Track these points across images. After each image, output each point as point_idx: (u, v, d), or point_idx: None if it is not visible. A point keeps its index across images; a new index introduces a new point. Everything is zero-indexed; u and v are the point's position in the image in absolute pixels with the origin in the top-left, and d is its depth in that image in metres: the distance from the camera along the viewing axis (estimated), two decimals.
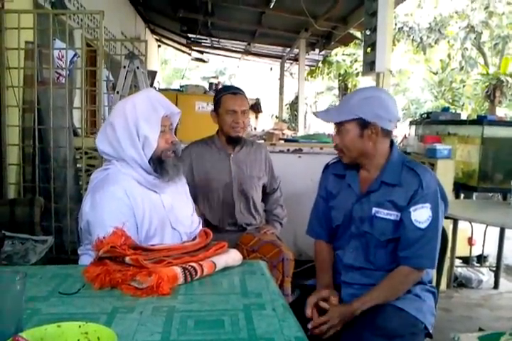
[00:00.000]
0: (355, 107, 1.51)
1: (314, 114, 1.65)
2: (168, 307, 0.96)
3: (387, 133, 1.55)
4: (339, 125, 1.55)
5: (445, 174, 3.16)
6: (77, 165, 3.19)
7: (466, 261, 3.77)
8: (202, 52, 11.99)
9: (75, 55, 4.17)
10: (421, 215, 1.48)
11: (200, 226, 1.73)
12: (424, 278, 1.58)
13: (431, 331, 1.52)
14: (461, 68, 15.17)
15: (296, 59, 9.79)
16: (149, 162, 1.46)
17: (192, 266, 1.09)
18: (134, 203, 1.42)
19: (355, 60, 13.54)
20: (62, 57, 3.95)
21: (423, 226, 1.48)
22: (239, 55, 11.83)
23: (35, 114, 2.94)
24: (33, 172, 2.92)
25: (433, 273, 1.64)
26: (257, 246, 2.08)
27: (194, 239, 1.25)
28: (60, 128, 2.99)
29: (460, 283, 3.52)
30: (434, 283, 1.67)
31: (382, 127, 1.51)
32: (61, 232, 2.81)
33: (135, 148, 1.44)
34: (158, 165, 1.48)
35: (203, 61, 12.17)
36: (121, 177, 1.44)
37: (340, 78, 14.75)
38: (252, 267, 1.24)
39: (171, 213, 1.53)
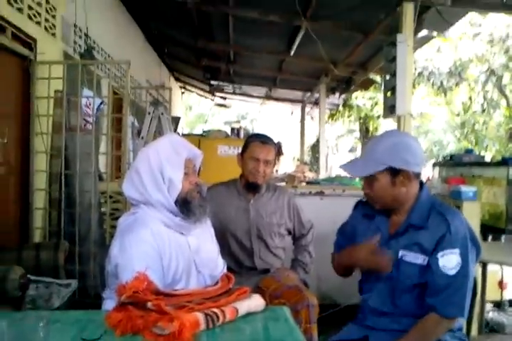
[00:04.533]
0: (382, 156, 1.50)
1: (341, 168, 1.62)
2: None
3: (417, 176, 1.55)
4: (368, 176, 1.55)
5: (471, 216, 3.09)
6: (102, 209, 3.24)
7: (498, 305, 3.61)
8: (224, 98, 12.30)
9: (101, 102, 4.34)
10: (449, 261, 1.45)
11: (225, 270, 1.73)
12: (454, 326, 1.52)
13: None
14: (483, 110, 15.16)
15: (316, 103, 9.94)
16: (175, 204, 1.49)
17: (214, 312, 1.07)
18: (162, 246, 1.43)
19: (376, 103, 13.67)
20: (90, 104, 4.11)
21: (452, 272, 1.44)
22: (260, 100, 12.08)
23: (63, 159, 3.02)
24: (59, 217, 2.97)
25: (463, 320, 1.58)
26: (279, 291, 2.03)
27: (216, 284, 1.24)
28: (86, 173, 3.07)
29: (492, 328, 3.35)
30: (464, 330, 1.60)
31: (413, 171, 1.50)
32: (84, 276, 2.81)
33: (161, 192, 1.47)
34: (184, 206, 1.50)
35: (225, 106, 12.47)
36: (149, 220, 1.46)
37: (361, 121, 14.87)
38: (275, 313, 1.22)
39: (196, 255, 1.54)
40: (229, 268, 2.11)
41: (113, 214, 3.20)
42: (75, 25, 4.18)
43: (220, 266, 1.66)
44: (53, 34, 3.41)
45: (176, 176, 1.48)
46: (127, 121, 4.09)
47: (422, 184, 1.59)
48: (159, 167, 1.47)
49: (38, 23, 3.15)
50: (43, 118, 3.09)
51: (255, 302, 1.20)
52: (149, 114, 4.61)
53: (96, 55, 4.71)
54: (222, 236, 2.22)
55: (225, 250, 2.21)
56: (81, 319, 1.12)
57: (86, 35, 4.48)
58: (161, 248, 1.42)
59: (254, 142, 2.29)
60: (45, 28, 3.26)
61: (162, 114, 4.60)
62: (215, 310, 1.08)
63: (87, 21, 4.32)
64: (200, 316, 1.04)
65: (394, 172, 1.50)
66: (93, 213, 3.01)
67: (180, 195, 1.49)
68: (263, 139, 2.31)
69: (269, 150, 2.27)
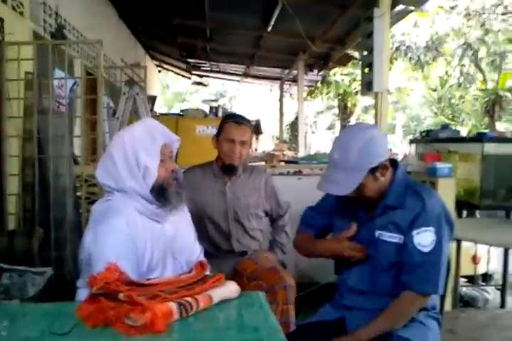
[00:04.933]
0: (359, 162, 1.45)
1: (321, 190, 1.53)
2: None
3: (392, 162, 1.56)
4: None
5: (447, 192, 3.14)
6: (78, 193, 3.19)
7: (471, 280, 3.70)
8: (202, 76, 12.14)
9: (74, 83, 4.23)
10: (424, 239, 1.46)
11: (202, 255, 1.72)
12: (427, 304, 1.55)
13: None
14: (460, 84, 15.28)
15: (295, 80, 9.89)
16: (151, 192, 1.46)
17: (187, 301, 1.06)
18: (136, 235, 1.41)
19: (354, 80, 13.66)
20: (62, 86, 4.00)
21: (426, 250, 1.45)
22: (238, 78, 11.96)
23: (35, 143, 2.95)
24: (33, 202, 2.91)
25: (436, 298, 1.61)
26: (257, 273, 2.04)
27: (190, 271, 1.23)
28: (60, 157, 3.00)
29: (466, 303, 3.45)
30: (438, 307, 1.64)
31: (385, 160, 1.50)
32: (61, 262, 2.78)
33: (135, 179, 1.44)
34: (160, 194, 1.47)
35: (203, 85, 12.30)
36: (122, 209, 1.43)
37: (340, 97, 14.86)
38: (250, 299, 1.22)
39: (173, 243, 1.52)
40: (206, 252, 2.10)
41: (89, 198, 3.15)
42: (44, 3, 4.03)
43: (196, 251, 1.65)
44: (21, 13, 3.27)
45: (152, 163, 1.45)
46: (102, 103, 4.00)
47: (396, 163, 1.59)
48: (134, 154, 1.44)
49: (4, 1, 3.01)
50: (14, 101, 2.98)
51: (230, 288, 1.20)
52: (124, 94, 4.51)
53: (67, 34, 4.57)
54: (199, 220, 2.20)
55: (202, 234, 2.20)
56: (51, 311, 1.10)
57: (56, 13, 4.33)
58: (135, 236, 1.40)
59: (229, 123, 2.25)
60: (12, 7, 3.12)
61: (137, 94, 4.51)
62: (189, 298, 1.07)
63: None
64: (173, 306, 1.03)
65: (373, 170, 1.49)
66: (68, 197, 2.95)
67: (157, 183, 1.46)
68: (238, 119, 2.26)
69: (244, 131, 2.23)
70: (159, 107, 10.52)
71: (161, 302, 1.02)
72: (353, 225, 1.57)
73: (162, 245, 1.48)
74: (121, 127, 4.22)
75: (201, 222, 2.23)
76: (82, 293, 1.34)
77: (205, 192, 2.27)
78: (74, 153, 3.65)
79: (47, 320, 1.04)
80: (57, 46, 3.37)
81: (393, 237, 1.51)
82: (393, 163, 1.57)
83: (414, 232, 1.46)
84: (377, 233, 1.53)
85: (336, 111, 16.97)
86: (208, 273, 1.50)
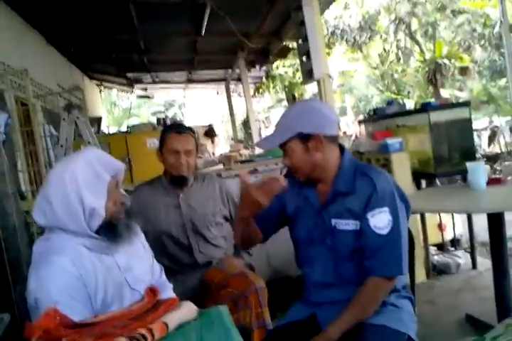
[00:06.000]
0: (290, 124, 1.47)
1: (256, 144, 1.61)
2: None
3: (333, 139, 1.50)
4: (283, 146, 1.50)
5: (401, 166, 3.17)
6: (31, 230, 3.04)
7: (441, 247, 3.75)
8: (146, 89, 11.95)
9: (8, 117, 4.04)
10: (380, 221, 1.42)
11: (163, 275, 1.64)
12: (397, 285, 1.51)
13: (415, 339, 1.45)
14: (399, 59, 15.60)
15: (239, 79, 9.85)
16: (99, 229, 1.34)
17: (140, 334, 0.98)
18: (84, 273, 1.30)
19: (297, 70, 13.74)
20: None
21: (384, 232, 1.41)
22: (183, 85, 11.83)
23: None
24: None
25: (407, 277, 1.58)
26: (225, 281, 1.98)
27: (142, 300, 1.15)
28: (4, 196, 2.85)
29: (440, 270, 3.49)
30: (408, 288, 1.61)
31: (324, 135, 1.46)
32: (23, 304, 2.64)
33: (77, 223, 1.31)
34: (109, 230, 1.36)
35: (148, 97, 12.12)
36: (66, 246, 1.31)
37: (286, 90, 14.92)
38: (210, 317, 1.14)
39: (128, 273, 1.41)
40: (169, 268, 2.03)
41: (43, 233, 3.01)
42: None
43: (156, 273, 1.56)
44: None
45: (99, 204, 1.33)
46: (41, 132, 3.84)
47: (343, 149, 1.56)
48: (78, 196, 1.30)
49: None
50: None
51: (185, 312, 1.12)
52: (64, 119, 4.34)
53: None
54: (157, 238, 2.12)
55: (162, 251, 2.12)
56: None
57: None
58: (83, 275, 1.29)
59: (170, 134, 2.17)
60: None
61: (78, 117, 4.36)
62: (142, 330, 1.00)
63: None
64: None
65: (304, 137, 1.45)
66: (20, 236, 2.81)
67: (105, 220, 1.35)
68: (178, 129, 2.19)
69: (187, 139, 2.16)
70: (107, 127, 10.27)
71: (111, 340, 0.94)
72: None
73: (116, 278, 1.37)
74: (67, 154, 4.08)
75: (159, 240, 2.14)
76: None
77: (159, 209, 2.19)
78: (20, 188, 3.49)
79: None
80: None
81: (349, 224, 1.47)
82: (340, 148, 1.54)
83: (369, 215, 1.42)
84: (333, 222, 1.49)
85: (286, 103, 17.04)
86: (169, 294, 1.44)
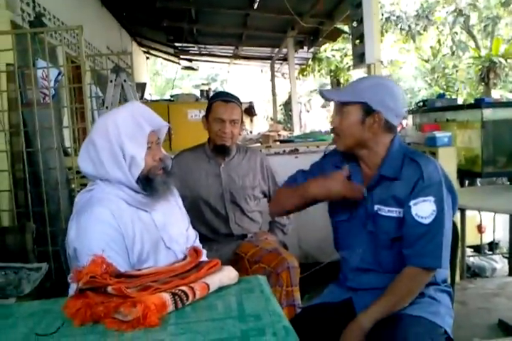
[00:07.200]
0: (362, 91, 1.42)
1: (320, 91, 1.56)
2: None
3: (390, 128, 1.45)
4: (341, 106, 1.46)
5: (447, 162, 3.07)
6: (72, 186, 3.11)
7: (478, 249, 3.66)
8: (191, 60, 11.94)
9: (59, 73, 4.10)
10: (423, 209, 1.36)
11: (197, 241, 1.65)
12: (437, 278, 1.47)
13: (451, 335, 1.41)
14: (453, 53, 15.08)
15: (285, 59, 9.72)
16: (137, 181, 1.37)
17: (182, 291, 0.99)
18: (123, 225, 1.33)
19: (345, 55, 13.48)
20: (47, 76, 3.88)
21: (426, 221, 1.36)
22: (228, 60, 11.77)
23: (23, 137, 2.86)
24: (26, 197, 2.83)
25: (447, 272, 1.52)
26: (258, 256, 1.97)
27: (184, 259, 1.16)
28: (49, 150, 2.91)
29: (474, 273, 3.41)
30: (448, 281, 1.56)
31: (386, 118, 1.41)
32: (59, 256, 2.72)
33: (121, 170, 1.35)
34: (147, 183, 1.38)
35: (193, 69, 12.12)
36: (106, 198, 1.35)
37: (332, 74, 14.67)
38: (249, 284, 1.14)
39: (164, 232, 1.44)
40: (205, 236, 2.05)
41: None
42: None
43: (191, 238, 1.57)
44: None
45: (139, 153, 1.35)
46: (88, 92, 3.89)
47: (394, 137, 1.50)
48: (119, 143, 1.33)
49: None
50: None
51: (228, 274, 1.12)
52: (111, 81, 4.38)
53: (48, 22, 4.41)
54: (195, 205, 2.13)
55: (199, 218, 2.13)
56: (37, 311, 1.03)
57: (34, 1, 4.18)
58: (122, 227, 1.32)
59: (216, 102, 2.15)
60: None
61: (125, 80, 4.38)
62: (184, 287, 1.00)
63: None
64: (166, 296, 0.96)
65: (367, 110, 1.41)
66: (61, 190, 2.87)
67: (142, 172, 1.37)
68: (226, 98, 2.17)
69: (233, 109, 2.14)
70: (150, 95, 10.34)
71: (154, 293, 0.95)
72: (345, 167, 1.48)
73: (153, 235, 1.40)
74: None
75: (197, 206, 2.15)
76: (74, 289, 1.28)
77: (199, 175, 2.19)
78: (64, 144, 3.56)
79: (33, 320, 0.97)
80: (37, 35, 3.24)
81: (392, 211, 1.42)
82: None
83: (412, 203, 1.37)
84: (376, 207, 1.45)
85: (329, 88, 16.80)
86: (203, 259, 1.44)
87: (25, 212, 2.84)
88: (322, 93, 1.54)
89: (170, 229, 1.46)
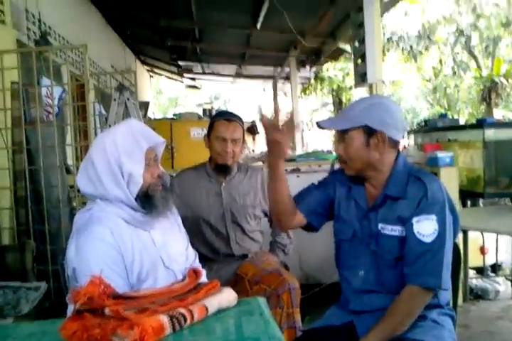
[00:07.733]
0: (360, 114, 1.42)
1: (317, 123, 1.55)
2: None
3: (395, 144, 1.46)
4: (343, 133, 1.46)
5: (449, 182, 3.06)
6: (73, 204, 3.11)
7: (480, 271, 3.61)
8: (194, 79, 12.05)
9: (63, 91, 4.14)
10: (425, 228, 1.36)
11: (197, 260, 1.64)
12: (441, 301, 1.44)
13: None
14: (454, 73, 15.18)
15: (288, 77, 9.80)
16: (136, 199, 1.37)
17: (180, 313, 0.98)
18: (122, 244, 1.32)
19: (347, 74, 13.57)
20: (51, 94, 3.92)
21: (428, 240, 1.35)
22: (231, 79, 11.87)
23: (25, 154, 2.87)
24: (27, 215, 2.83)
25: (449, 293, 1.51)
26: (259, 276, 1.95)
27: (183, 280, 1.15)
28: (51, 168, 2.92)
29: (476, 295, 3.35)
30: (451, 304, 1.54)
31: (389, 136, 1.41)
32: (59, 275, 2.70)
33: (119, 187, 1.35)
34: (146, 201, 1.39)
35: (196, 88, 12.22)
36: (105, 217, 1.34)
37: (334, 93, 14.76)
38: (249, 306, 1.13)
39: (163, 251, 1.43)
40: (205, 256, 2.04)
41: None
42: (27, 11, 3.95)
43: (190, 258, 1.56)
44: (3, 21, 3.19)
45: (137, 170, 1.36)
46: (92, 110, 3.91)
47: (398, 154, 1.51)
48: (117, 160, 1.34)
49: None
50: (1, 112, 2.91)
51: (227, 296, 1.11)
52: (115, 100, 4.42)
53: (53, 41, 4.48)
54: (195, 224, 2.12)
55: (200, 238, 2.12)
56: (34, 332, 1.02)
57: (39, 20, 4.25)
58: (121, 247, 1.31)
59: (218, 121, 2.16)
60: None
61: (128, 99, 4.42)
62: (182, 310, 0.99)
63: (39, 6, 4.09)
64: (164, 319, 0.95)
65: (370, 132, 1.41)
66: (62, 209, 2.87)
67: (141, 189, 1.38)
68: (227, 117, 2.18)
69: (235, 128, 2.14)
70: (153, 113, 10.41)
71: (151, 315, 0.94)
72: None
73: (152, 254, 1.39)
74: None
75: (198, 226, 2.14)
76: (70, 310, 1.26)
77: (200, 195, 2.19)
78: (66, 162, 3.57)
79: None
80: (42, 54, 3.28)
81: (396, 230, 1.41)
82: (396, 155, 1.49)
83: (414, 220, 1.37)
84: (380, 226, 1.44)
85: (331, 107, 16.85)
86: (203, 280, 1.42)
87: (25, 229, 2.83)
88: (320, 125, 1.53)
89: (169, 248, 1.46)
